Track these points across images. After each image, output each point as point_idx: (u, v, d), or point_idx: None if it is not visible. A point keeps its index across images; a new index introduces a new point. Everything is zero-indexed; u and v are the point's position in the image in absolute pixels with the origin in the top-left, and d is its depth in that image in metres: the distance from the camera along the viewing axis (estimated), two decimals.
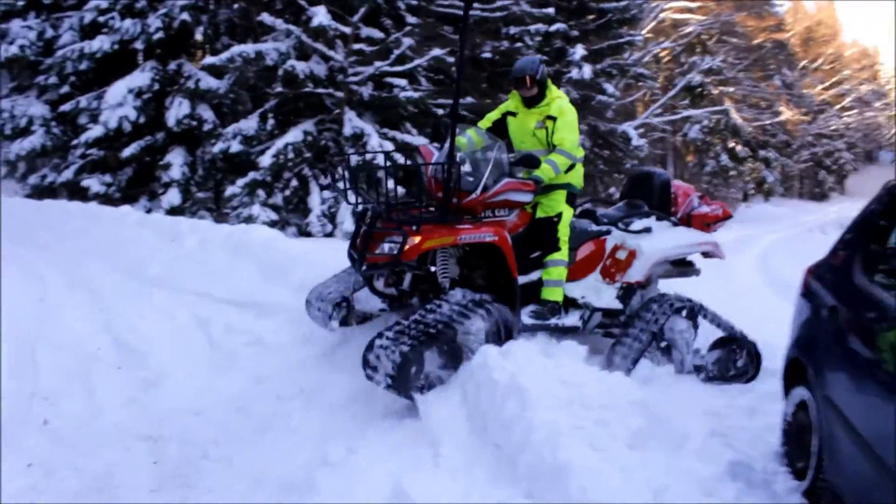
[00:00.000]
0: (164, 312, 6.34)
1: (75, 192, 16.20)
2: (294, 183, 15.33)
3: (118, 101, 15.68)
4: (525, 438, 3.43)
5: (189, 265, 7.91)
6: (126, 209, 11.47)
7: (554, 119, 5.14)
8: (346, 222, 14.68)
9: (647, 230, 5.36)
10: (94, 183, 16.03)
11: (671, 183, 5.70)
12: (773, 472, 3.59)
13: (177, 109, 15.71)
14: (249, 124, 15.33)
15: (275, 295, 6.49)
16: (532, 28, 18.93)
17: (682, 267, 5.71)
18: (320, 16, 14.46)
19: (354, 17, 15.04)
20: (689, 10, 32.77)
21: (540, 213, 5.19)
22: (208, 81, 15.83)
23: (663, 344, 5.21)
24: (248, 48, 15.06)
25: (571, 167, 5.23)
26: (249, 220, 13.80)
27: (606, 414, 3.66)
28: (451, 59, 16.28)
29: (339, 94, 15.27)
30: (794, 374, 3.70)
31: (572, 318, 5.15)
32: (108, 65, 16.48)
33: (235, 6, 17.08)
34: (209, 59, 15.72)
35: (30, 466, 3.63)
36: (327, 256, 7.34)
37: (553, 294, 5.08)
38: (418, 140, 16.22)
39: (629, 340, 5.01)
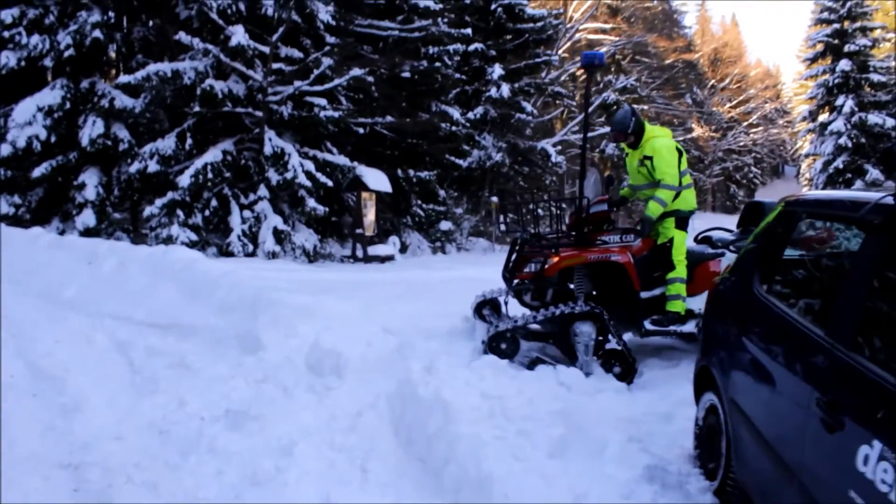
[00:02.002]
0: (82, 336, 6.18)
1: None
2: (214, 203, 15.13)
3: (27, 120, 15.20)
4: (449, 451, 3.51)
5: (107, 288, 7.74)
6: (37, 231, 11.13)
7: (651, 158, 6.03)
8: (268, 242, 14.58)
9: None
10: (2, 204, 15.46)
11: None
12: (686, 474, 3.75)
13: (90, 128, 15.32)
14: (167, 144, 15.08)
15: (196, 316, 6.41)
16: (451, 48, 19.23)
17: None
18: (238, 35, 14.37)
19: (273, 36, 15.00)
20: (603, 31, 33.76)
21: (659, 240, 6.13)
22: (123, 100, 15.51)
23: None
24: (165, 67, 14.84)
25: (678, 195, 6.05)
26: (169, 240, 13.57)
27: (528, 425, 3.77)
28: (371, 79, 16.38)
29: (259, 113, 15.18)
30: (703, 381, 3.89)
31: (689, 326, 5.93)
32: (15, 81, 15.94)
33: (150, 23, 16.80)
34: (124, 78, 15.41)
35: None
36: (249, 276, 7.31)
37: (674, 306, 5.96)
38: (339, 159, 16.25)
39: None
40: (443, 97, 20.19)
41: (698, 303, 5.86)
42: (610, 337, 5.72)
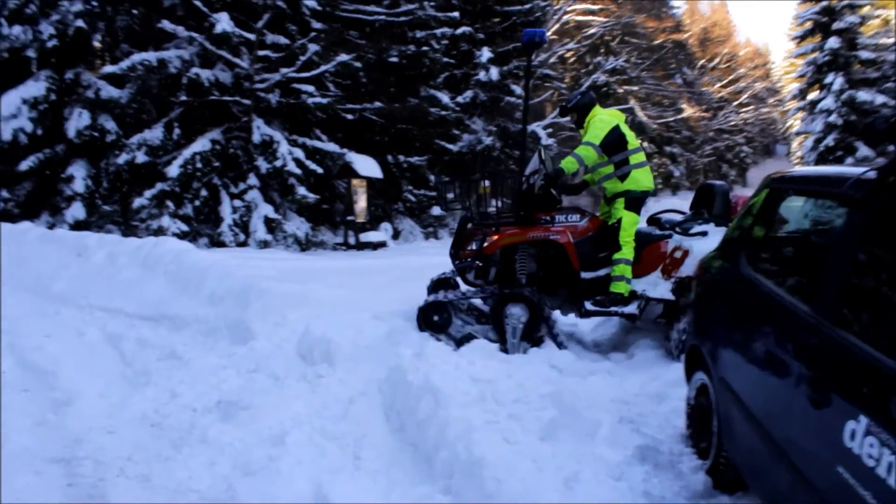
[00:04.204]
0: (73, 330, 6.16)
1: None
2: (204, 193, 15.07)
3: (11, 113, 15.05)
4: (440, 436, 3.52)
5: (97, 280, 7.70)
6: (27, 225, 11.03)
7: (584, 133, 6.15)
8: (259, 231, 14.54)
9: (704, 234, 5.96)
10: None
11: (728, 194, 6.38)
12: (678, 454, 3.77)
13: (77, 120, 15.20)
14: (154, 134, 14.99)
15: (188, 307, 6.39)
16: (438, 32, 19.13)
17: None
18: (223, 22, 14.27)
19: (259, 23, 14.89)
20: (591, 13, 33.62)
21: (610, 220, 6.12)
22: (109, 91, 15.38)
23: None
24: (150, 56, 14.74)
25: (627, 175, 6.11)
26: (159, 231, 13.52)
27: (518, 408, 3.78)
28: (358, 65, 16.30)
29: (247, 101, 15.10)
30: (693, 360, 3.90)
31: (631, 308, 5.96)
32: None
33: (134, 12, 16.63)
34: (109, 68, 15.30)
35: None
36: (240, 265, 7.28)
37: (618, 287, 5.94)
38: (329, 146, 16.18)
39: (678, 326, 5.68)
40: (431, 82, 20.11)
41: (643, 284, 6.00)
42: (549, 321, 5.74)
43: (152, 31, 15.92)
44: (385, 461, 3.64)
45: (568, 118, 6.46)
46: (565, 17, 31.85)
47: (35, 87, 15.32)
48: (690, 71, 48.38)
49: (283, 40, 15.72)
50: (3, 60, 15.50)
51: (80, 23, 15.22)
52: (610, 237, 6.07)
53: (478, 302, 6.43)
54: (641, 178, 6.20)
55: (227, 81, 15.14)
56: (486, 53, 22.06)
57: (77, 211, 15.04)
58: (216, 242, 14.68)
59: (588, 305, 6.00)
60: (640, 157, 6.28)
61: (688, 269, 5.83)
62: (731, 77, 52.83)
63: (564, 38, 32.25)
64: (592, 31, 32.87)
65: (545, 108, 32.53)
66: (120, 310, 6.82)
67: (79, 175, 15.39)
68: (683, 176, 42.42)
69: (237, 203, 15.06)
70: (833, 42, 31.92)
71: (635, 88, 36.01)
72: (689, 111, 43.28)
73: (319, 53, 15.62)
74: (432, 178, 20.07)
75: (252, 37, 14.93)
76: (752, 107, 53.59)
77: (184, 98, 14.97)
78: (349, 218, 17.24)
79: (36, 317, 6.87)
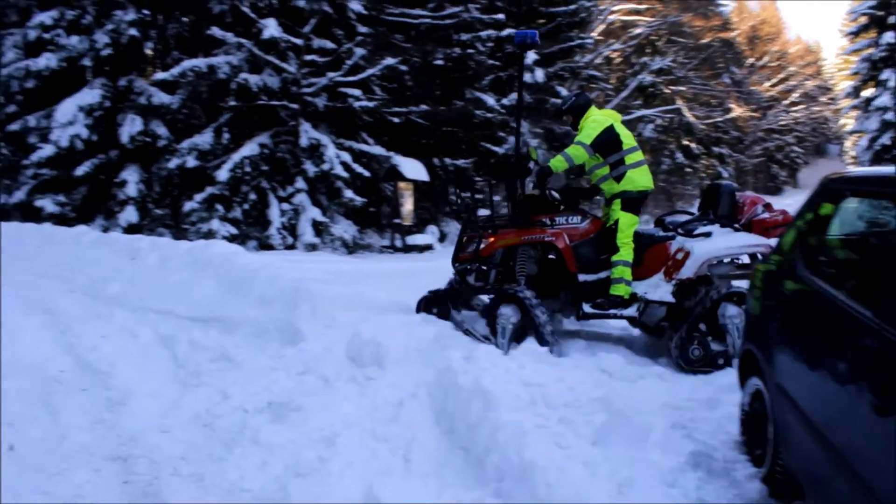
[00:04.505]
0: (127, 331, 6.28)
1: (28, 212, 15.93)
2: (252, 196, 15.27)
3: (68, 120, 15.47)
4: (491, 439, 3.51)
5: (150, 283, 7.86)
6: (82, 228, 11.34)
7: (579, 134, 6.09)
8: (307, 234, 14.68)
9: (707, 235, 5.89)
10: (47, 203, 15.79)
11: (734, 193, 6.24)
12: (732, 461, 3.70)
13: (129, 126, 15.55)
14: (204, 139, 15.24)
15: (238, 309, 6.47)
16: (483, 34, 19.09)
17: (746, 269, 6.06)
18: (271, 28, 14.45)
19: (305, 28, 15.05)
20: (637, 13, 33.30)
21: (608, 222, 6.05)
22: (160, 97, 15.71)
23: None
24: (200, 62, 14.99)
25: (622, 176, 5.99)
26: (209, 235, 13.73)
27: (569, 412, 3.75)
28: (404, 68, 16.37)
29: (294, 105, 15.26)
30: (748, 365, 3.82)
31: (630, 310, 5.89)
32: (56, 82, 16.23)
33: (185, 20, 16.96)
34: (160, 75, 15.60)
35: None
36: (289, 268, 7.36)
37: (617, 289, 5.84)
38: (375, 149, 16.28)
39: (681, 332, 5.64)
40: (477, 84, 20.09)
41: (644, 287, 5.93)
42: (537, 320, 5.61)
43: (202, 38, 16.20)
44: (435, 464, 3.64)
45: (566, 120, 6.43)
46: (611, 18, 31.61)
47: (90, 95, 15.73)
48: (739, 70, 47.53)
49: (329, 45, 15.87)
50: (61, 70, 15.95)
51: (133, 31, 15.59)
52: (610, 239, 6.00)
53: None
54: (638, 178, 6.06)
55: (274, 86, 15.33)
56: (531, 55, 21.98)
57: (130, 215, 15.39)
58: (264, 245, 14.86)
59: (586, 308, 5.95)
60: (637, 156, 6.14)
61: (687, 270, 5.79)
62: (781, 75, 51.83)
63: (610, 39, 32.00)
64: (638, 31, 32.56)
65: None
66: (172, 311, 6.94)
67: (132, 180, 15.74)
68: (732, 177, 41.69)
69: (285, 206, 15.23)
70: (889, 37, 31.02)
71: (682, 88, 35.53)
72: (737, 111, 42.55)
73: (365, 57, 15.73)
74: (478, 179, 20.07)
75: (299, 42, 15.10)
76: (802, 106, 52.48)
77: (233, 103, 15.20)
78: (395, 221, 17.31)
79: (91, 318, 7.03)
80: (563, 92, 23.19)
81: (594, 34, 28.91)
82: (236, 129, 15.72)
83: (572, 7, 23.92)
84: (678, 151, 35.33)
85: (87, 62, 15.91)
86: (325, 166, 14.95)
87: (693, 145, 35.67)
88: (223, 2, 15.71)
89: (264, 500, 3.51)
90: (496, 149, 21.23)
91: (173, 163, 15.23)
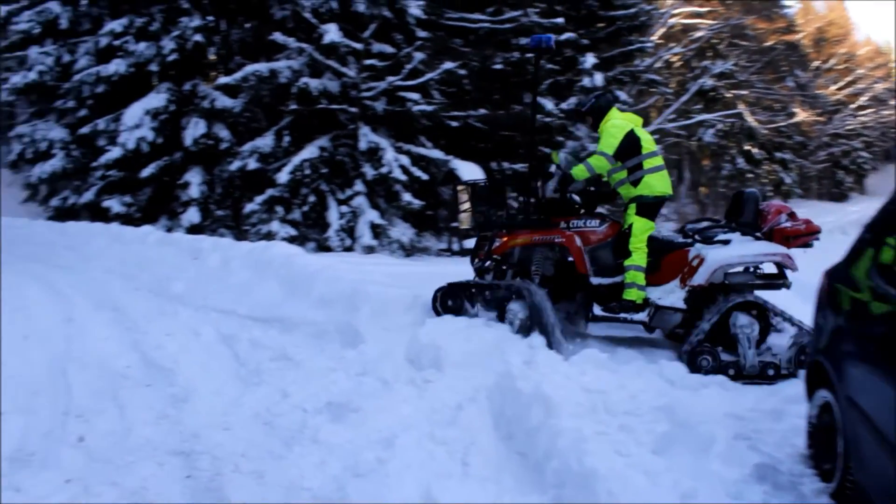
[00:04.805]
0: (190, 330, 6.42)
1: (96, 213, 16.41)
2: (311, 198, 15.44)
3: (135, 123, 15.89)
4: (551, 445, 3.48)
5: (212, 282, 8.01)
6: (147, 228, 11.62)
7: (599, 138, 6.15)
8: (365, 236, 14.79)
9: (726, 242, 5.81)
10: (114, 203, 16.24)
11: (759, 200, 6.13)
12: (799, 475, 3.60)
13: (193, 129, 15.90)
14: (265, 142, 15.48)
15: (297, 310, 6.56)
16: None
17: (768, 279, 5.96)
18: (332, 33, 14.60)
19: (365, 32, 15.18)
20: (698, 16, 32.72)
21: (625, 226, 6.08)
22: (223, 101, 16.02)
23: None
24: (262, 66, 15.23)
25: (639, 181, 6.01)
26: (269, 236, 13.93)
27: (630, 420, 3.70)
28: (463, 72, 16.38)
29: (353, 109, 15.39)
30: (816, 377, 3.72)
31: (641, 315, 5.92)
32: (125, 87, 16.70)
33: (247, 25, 17.27)
34: (223, 79, 15.91)
35: (68, 482, 3.70)
36: (348, 270, 7.43)
37: (630, 294, 5.86)
38: (434, 153, 16.33)
39: (692, 336, 5.62)
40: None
41: (659, 292, 5.91)
42: (542, 316, 5.64)
43: (264, 43, 16.45)
44: (494, 468, 3.62)
45: (585, 121, 6.57)
46: (671, 21, 31.13)
47: (156, 99, 16.13)
48: (803, 73, 46.30)
49: (388, 49, 15.96)
50: (129, 75, 16.42)
51: (198, 37, 15.95)
52: (626, 243, 6.02)
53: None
54: (655, 184, 6.05)
55: (334, 90, 15.48)
56: (590, 59, 21.77)
57: (193, 215, 15.72)
58: (323, 247, 15.01)
59: (597, 311, 6.05)
60: (655, 161, 6.12)
61: (699, 277, 5.75)
62: (848, 78, 50.28)
63: (670, 43, 31.53)
64: (699, 34, 31.96)
65: (650, 114, 31.90)
66: (233, 311, 7.07)
67: (194, 181, 16.09)
68: (795, 183, 40.63)
69: (344, 209, 15.36)
70: None
71: (744, 92, 34.78)
72: (801, 115, 41.45)
73: (425, 61, 15.78)
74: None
75: (359, 46, 15.22)
76: (871, 109, 50.80)
77: (294, 107, 15.40)
78: (453, 224, 17.31)
79: (156, 316, 7.21)
80: (622, 96, 22.96)
81: (654, 38, 28.52)
82: (297, 133, 15.91)
83: (632, 10, 23.65)
84: (739, 157, 34.59)
85: (153, 67, 16.33)
86: (384, 169, 15.04)
87: (755, 150, 34.87)
88: (285, 7, 15.95)
89: (323, 498, 3.54)
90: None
91: (235, 165, 15.49)
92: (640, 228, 5.93)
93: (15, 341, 6.21)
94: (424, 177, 15.88)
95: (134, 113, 15.96)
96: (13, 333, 6.44)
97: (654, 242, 5.97)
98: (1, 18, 18.50)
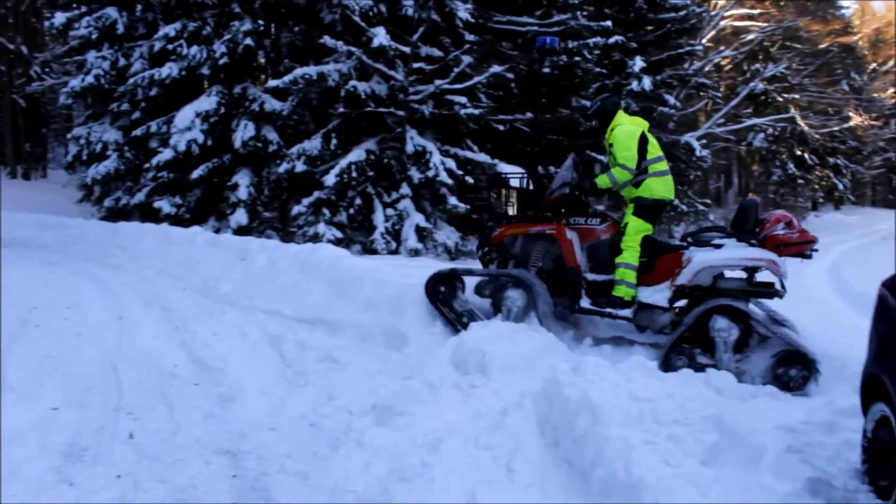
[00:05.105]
0: (237, 330, 6.51)
1: (147, 213, 16.76)
2: (358, 201, 15.52)
3: (186, 125, 16.18)
4: (597, 453, 3.43)
5: (259, 283, 8.10)
6: (196, 229, 11.81)
7: (611, 145, 6.22)
8: (410, 239, 14.82)
9: (719, 246, 5.88)
10: (164, 204, 16.56)
11: (757, 207, 6.23)
12: (854, 490, 3.49)
13: (242, 132, 16.13)
14: (313, 144, 15.61)
15: (343, 312, 6.60)
16: (590, 42, 18.83)
17: (760, 287, 5.98)
18: (380, 36, 14.67)
19: (413, 36, 15.22)
20: (750, 18, 32.19)
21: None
22: (272, 103, 16.23)
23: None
24: (311, 70, 15.36)
25: (641, 183, 6.14)
26: (315, 238, 14.03)
27: (678, 429, 3.63)
28: (510, 76, 16.34)
29: (401, 112, 15.44)
30: (872, 390, 3.61)
31: (625, 312, 6.03)
32: (177, 90, 17.04)
33: (296, 29, 17.46)
34: (273, 82, 16.08)
35: (119, 478, 3.77)
36: (394, 273, 7.45)
37: (618, 291, 6.02)
38: (480, 157, 16.31)
39: (670, 335, 5.77)
40: (583, 92, 19.82)
41: (649, 292, 6.01)
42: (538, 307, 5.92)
43: (313, 47, 16.62)
44: (539, 475, 3.59)
45: (593, 123, 6.72)
46: (722, 24, 30.67)
47: (207, 102, 16.41)
48: (859, 76, 45.24)
49: (436, 52, 15.98)
50: (181, 78, 16.74)
51: (248, 41, 16.19)
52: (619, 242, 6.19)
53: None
54: (657, 187, 6.18)
55: (382, 93, 15.56)
56: (638, 63, 21.56)
57: (240, 217, 15.94)
58: (368, 249, 15.08)
59: (584, 304, 6.14)
60: (660, 166, 6.24)
61: (682, 277, 5.86)
62: None
63: (721, 45, 31.07)
64: (751, 36, 31.44)
65: (699, 118, 31.46)
66: (280, 312, 7.14)
67: (243, 183, 16.32)
68: (848, 189, 39.68)
69: (390, 212, 15.41)
70: None
71: (797, 96, 34.09)
72: (856, 119, 40.50)
73: (472, 65, 15.76)
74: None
75: (407, 50, 15.27)
76: None
77: (341, 110, 15.50)
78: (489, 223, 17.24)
79: (204, 316, 7.32)
80: (671, 100, 22.68)
81: (704, 41, 28.13)
82: (344, 136, 16.01)
83: (682, 13, 23.34)
84: (790, 162, 33.89)
85: (205, 71, 16.62)
86: (431, 173, 15.05)
87: (806, 155, 34.14)
88: (334, 11, 16.08)
89: (368, 501, 3.55)
90: (602, 157, 20.93)
91: (283, 167, 15.65)
92: (635, 228, 6.07)
93: (69, 338, 6.37)
94: (470, 180, 15.86)
95: (185, 115, 16.26)
96: (68, 330, 6.61)
97: (650, 244, 6.13)
98: (61, 25, 19.04)
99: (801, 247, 5.90)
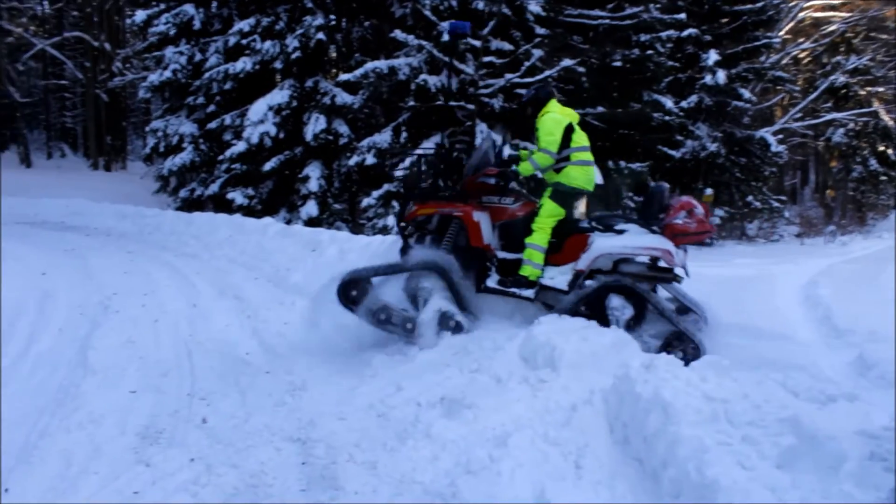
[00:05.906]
0: (307, 320, 6.58)
1: (220, 204, 17.17)
2: None
3: (259, 118, 16.51)
4: (669, 453, 3.36)
5: (329, 274, 8.18)
6: (268, 220, 12.02)
7: (537, 129, 6.22)
8: None
9: (621, 232, 6.00)
10: (237, 195, 16.94)
11: (664, 195, 6.20)
12: None
13: (314, 125, 16.38)
14: (383, 137, 15.75)
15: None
16: (663, 35, 18.50)
17: (661, 272, 6.04)
18: None
19: (484, 30, 15.19)
20: (832, 8, 31.12)
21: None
22: (343, 97, 16.42)
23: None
24: (381, 64, 15.49)
25: (560, 169, 6.18)
26: (384, 230, 14.15)
27: (754, 431, 3.52)
28: (581, 69, 16.18)
29: (470, 106, 15.45)
30: None
31: (528, 292, 6.01)
32: (250, 84, 17.41)
33: (367, 23, 17.62)
34: (344, 76, 16.28)
35: (192, 461, 3.87)
36: None
37: (524, 270, 6.04)
38: None
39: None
40: (655, 86, 19.50)
41: (553, 272, 6.03)
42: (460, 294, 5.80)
43: (384, 41, 16.76)
44: (608, 473, 3.54)
45: (525, 112, 6.52)
46: (801, 15, 29.74)
47: (279, 96, 16.71)
48: None
49: (507, 46, 15.93)
50: (255, 72, 17.08)
51: (320, 35, 16.42)
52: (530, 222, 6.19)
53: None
54: (576, 176, 6.18)
55: (452, 87, 15.59)
56: (712, 56, 21.10)
57: (311, 208, 16.19)
58: None
59: (489, 283, 6.10)
60: (583, 155, 6.24)
61: (582, 262, 5.93)
62: None
63: (799, 38, 30.15)
64: (832, 28, 30.40)
65: (775, 113, 30.58)
66: None
67: (314, 175, 16.58)
68: None
69: None
70: None
71: (880, 89, 32.77)
72: None
73: (543, 59, 15.67)
74: (652, 183, 19.54)
75: (477, 43, 15.25)
76: None
77: (411, 103, 15.59)
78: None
79: (275, 305, 7.45)
80: (746, 94, 22.12)
81: (782, 33, 27.32)
82: (413, 129, 16.12)
83: (759, 5, 22.71)
84: (872, 158, 32.64)
85: (278, 65, 16.94)
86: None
87: (890, 151, 32.82)
88: (405, 5, 16.18)
89: (434, 493, 3.55)
90: (673, 152, 20.55)
91: (353, 160, 15.84)
92: (548, 212, 6.08)
93: (147, 324, 6.56)
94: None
95: (258, 109, 16.60)
96: (145, 317, 6.82)
97: (563, 226, 6.15)
98: (142, 21, 19.65)
99: (697, 237, 5.97)
